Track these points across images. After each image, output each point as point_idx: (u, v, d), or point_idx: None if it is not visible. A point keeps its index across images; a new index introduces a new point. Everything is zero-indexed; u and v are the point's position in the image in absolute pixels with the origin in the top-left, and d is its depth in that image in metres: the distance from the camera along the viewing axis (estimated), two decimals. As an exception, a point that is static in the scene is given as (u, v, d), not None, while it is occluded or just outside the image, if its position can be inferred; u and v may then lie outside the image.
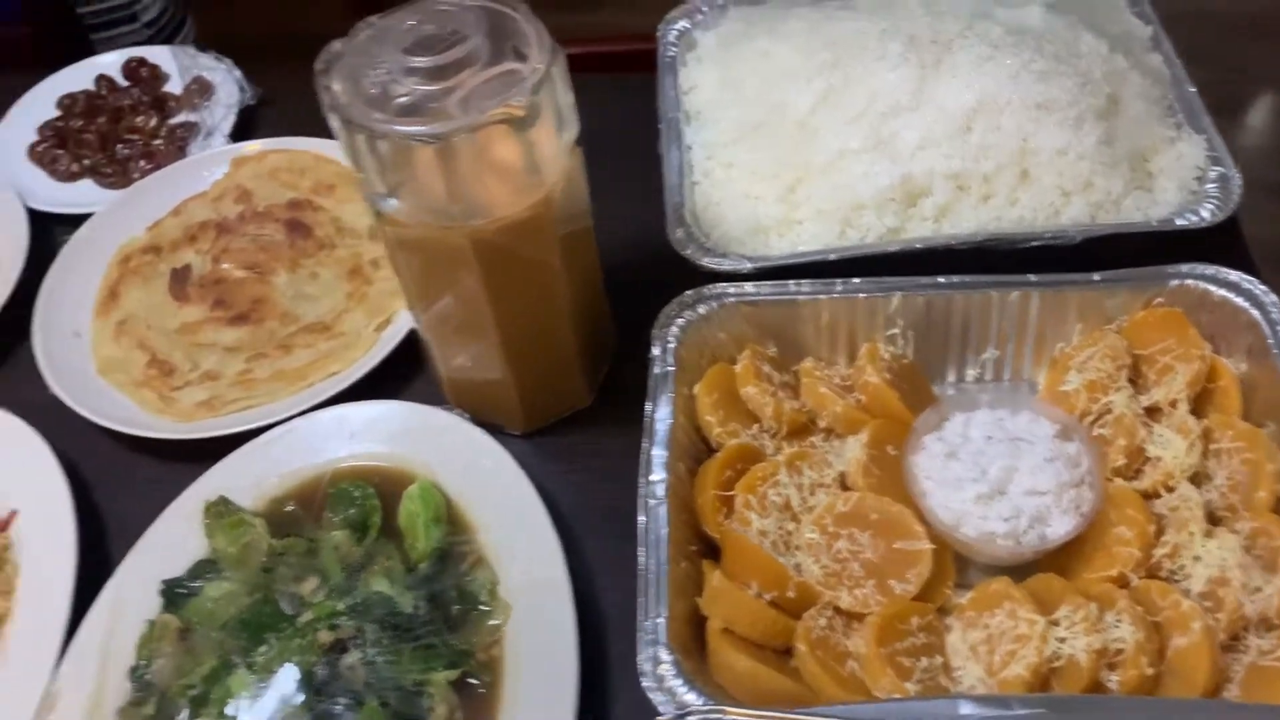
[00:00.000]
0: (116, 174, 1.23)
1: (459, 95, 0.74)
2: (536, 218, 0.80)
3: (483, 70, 0.75)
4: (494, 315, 0.85)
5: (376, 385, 1.00)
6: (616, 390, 0.98)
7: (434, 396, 0.98)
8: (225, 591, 0.83)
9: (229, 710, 0.75)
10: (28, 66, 1.45)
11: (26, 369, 1.06)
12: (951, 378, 0.93)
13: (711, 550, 0.81)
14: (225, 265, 1.12)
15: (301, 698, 0.75)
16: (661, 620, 0.72)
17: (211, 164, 1.21)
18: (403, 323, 1.03)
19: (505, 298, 0.84)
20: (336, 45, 0.78)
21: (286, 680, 0.76)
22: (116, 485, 0.97)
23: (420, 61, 0.74)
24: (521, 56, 0.76)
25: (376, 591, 0.81)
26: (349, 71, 0.76)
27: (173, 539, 0.89)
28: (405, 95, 0.75)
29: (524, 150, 0.77)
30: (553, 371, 0.93)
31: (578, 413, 0.98)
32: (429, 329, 0.91)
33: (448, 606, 0.82)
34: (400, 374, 1.02)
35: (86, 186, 1.25)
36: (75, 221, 1.17)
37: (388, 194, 0.79)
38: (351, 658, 0.78)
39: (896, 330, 0.90)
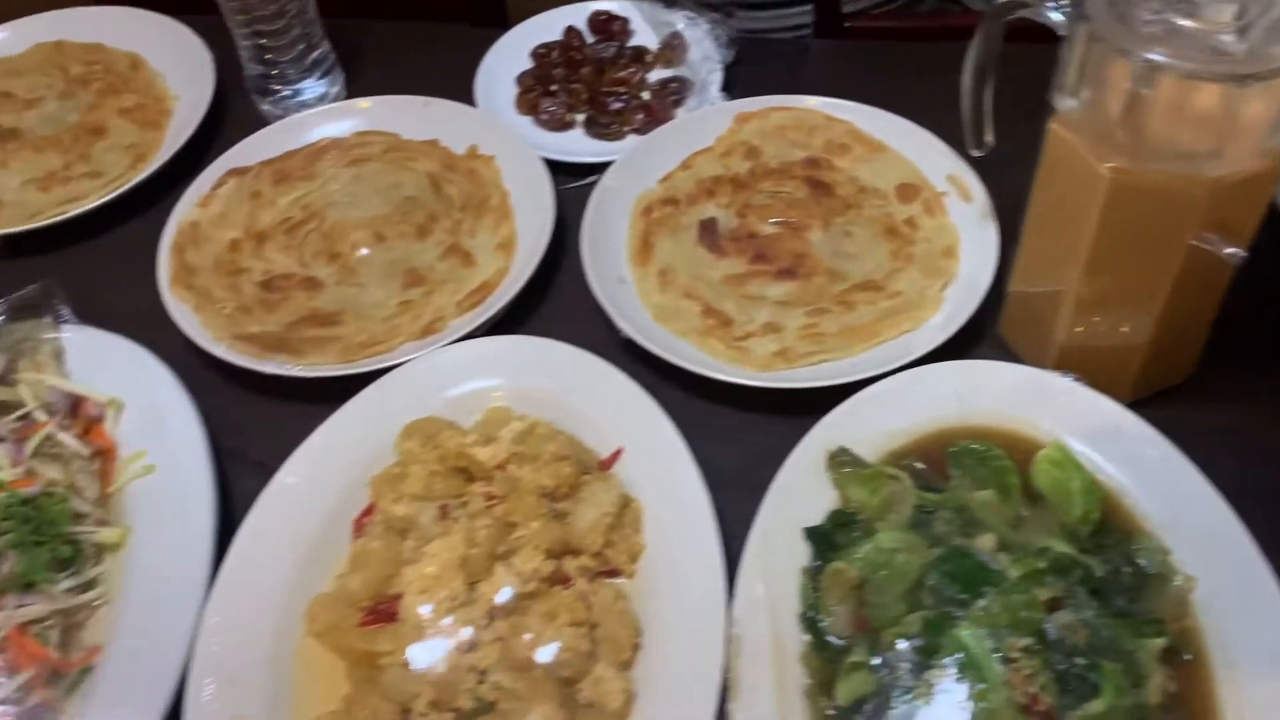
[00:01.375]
0: (610, 125, 1.23)
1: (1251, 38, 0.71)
2: (1268, 174, 0.77)
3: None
4: (1175, 276, 0.82)
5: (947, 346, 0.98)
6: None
7: (1004, 357, 0.97)
8: (898, 542, 0.81)
9: (951, 660, 0.74)
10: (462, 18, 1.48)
11: (572, 311, 1.07)
12: None
13: None
14: (753, 220, 1.11)
15: (1037, 652, 0.73)
16: None
17: (711, 119, 1.20)
18: (967, 285, 1.01)
19: (1195, 257, 0.81)
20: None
21: (1015, 635, 0.74)
22: (693, 429, 0.96)
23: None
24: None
25: (1064, 553, 0.79)
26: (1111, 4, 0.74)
27: (797, 487, 0.88)
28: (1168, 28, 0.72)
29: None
30: (1182, 340, 0.90)
31: (1173, 386, 0.95)
32: (1089, 287, 0.87)
33: (1124, 574, 0.80)
34: (964, 338, 1.00)
35: (575, 136, 1.25)
36: (560, 169, 1.18)
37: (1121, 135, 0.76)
38: (1066, 617, 0.75)
39: None
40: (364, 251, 1.13)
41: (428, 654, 0.80)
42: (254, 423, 1.02)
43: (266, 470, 0.95)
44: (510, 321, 1.07)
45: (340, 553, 0.90)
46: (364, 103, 1.27)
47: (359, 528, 0.91)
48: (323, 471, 0.93)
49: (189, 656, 0.82)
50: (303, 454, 0.94)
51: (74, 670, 0.83)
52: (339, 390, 1.00)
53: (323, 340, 1.05)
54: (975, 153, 0.98)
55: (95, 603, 0.87)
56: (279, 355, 1.03)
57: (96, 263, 1.19)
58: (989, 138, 0.97)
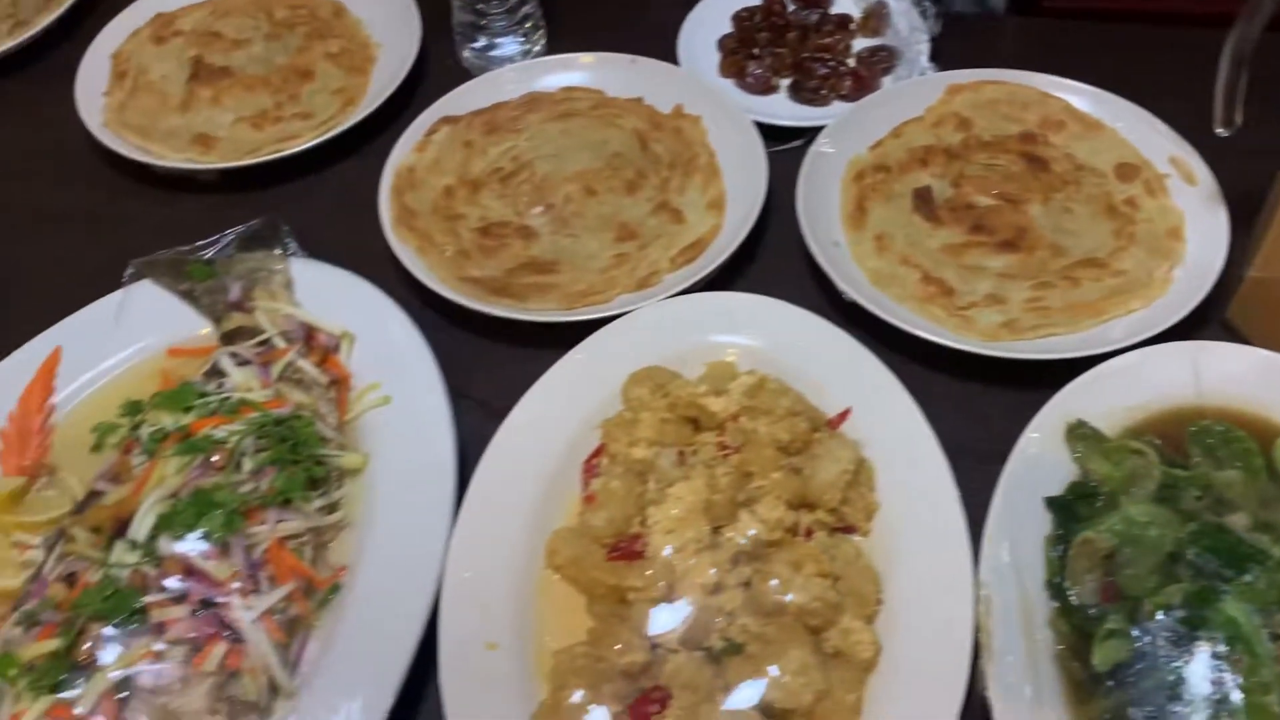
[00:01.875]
0: (817, 90, 1.23)
1: None
2: None
3: None
4: None
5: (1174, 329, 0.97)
6: None
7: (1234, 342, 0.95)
8: (1149, 515, 0.81)
9: (1217, 634, 0.74)
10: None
11: (780, 272, 1.08)
12: None
13: None
14: (969, 191, 1.11)
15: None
16: None
17: (922, 89, 1.20)
18: (1195, 268, 1.01)
19: None
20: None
21: None
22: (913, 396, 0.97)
23: None
24: None
25: (1337, 534, 0.78)
26: None
27: (1036, 457, 0.88)
28: None
29: None
30: None
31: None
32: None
33: None
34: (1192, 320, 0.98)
35: (778, 100, 1.26)
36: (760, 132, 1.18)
37: None
38: (1339, 600, 0.75)
39: None
40: (576, 204, 1.15)
41: (677, 592, 0.82)
42: (473, 363, 1.05)
43: (487, 409, 0.98)
44: (719, 280, 1.09)
45: (571, 492, 0.93)
46: (576, 57, 1.29)
47: (589, 469, 0.93)
48: (554, 413, 0.95)
49: (439, 582, 0.85)
50: (534, 395, 0.96)
51: (324, 587, 0.86)
52: (554, 336, 1.02)
53: (543, 287, 1.07)
54: (1222, 132, 0.96)
55: (340, 524, 0.91)
56: (502, 299, 1.06)
57: (310, 202, 1.22)
58: (1238, 118, 0.95)
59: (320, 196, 1.23)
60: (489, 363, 1.05)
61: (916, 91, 1.20)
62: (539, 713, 0.79)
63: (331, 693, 0.80)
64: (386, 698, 0.78)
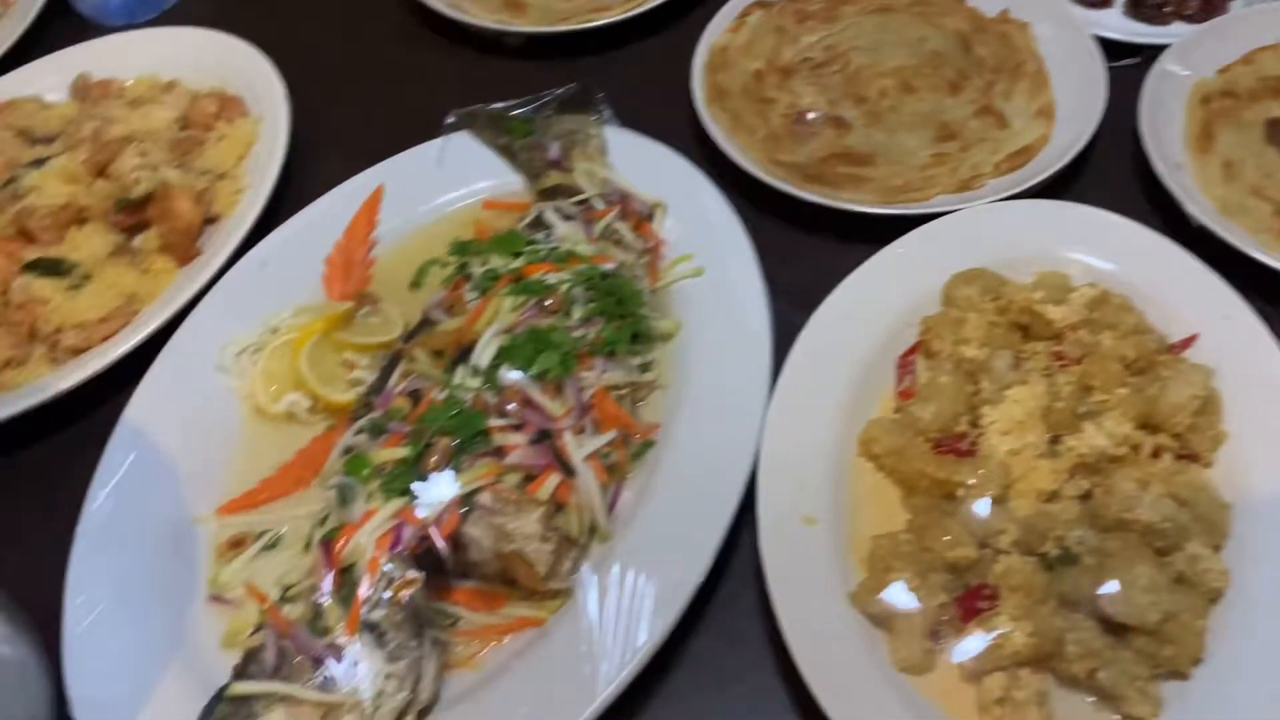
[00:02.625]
0: (1159, 8, 1.15)
1: None
2: None
3: None
4: None
5: None
6: None
7: None
8: None
9: None
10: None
11: (1111, 189, 1.02)
12: None
13: None
14: (1332, 126, 1.02)
15: None
16: None
17: (1276, 17, 1.11)
18: None
19: None
20: None
21: None
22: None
23: None
24: None
25: None
26: None
27: None
28: None
29: None
30: None
31: None
32: None
33: None
34: None
35: (1111, 14, 1.18)
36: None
37: None
38: None
39: None
40: (892, 100, 1.11)
41: (1011, 494, 0.79)
42: (778, 250, 1.02)
43: (790, 297, 0.97)
44: (1045, 192, 1.03)
45: (884, 384, 0.90)
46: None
47: (904, 364, 0.91)
48: (870, 305, 0.93)
49: (757, 452, 0.84)
50: (851, 285, 0.94)
51: (640, 440, 0.87)
52: (864, 230, 1.00)
53: (857, 179, 1.04)
54: None
55: (654, 385, 0.91)
56: (815, 187, 1.03)
57: (615, 74, 1.22)
58: None
59: (625, 70, 1.23)
60: (795, 251, 1.03)
61: (1271, 19, 1.11)
62: (859, 591, 0.77)
63: (647, 543, 0.80)
64: (704, 557, 0.78)
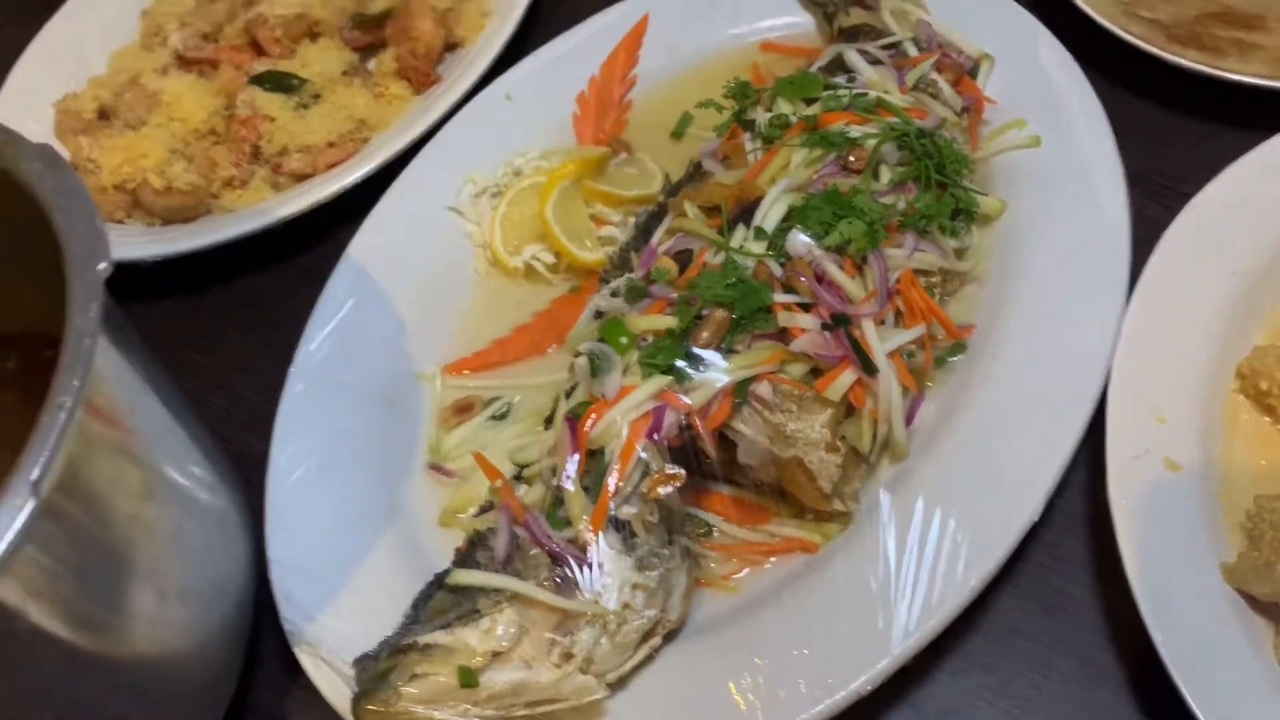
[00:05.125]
0: None
1: None
2: None
3: None
4: None
5: None
6: None
7: None
8: None
9: None
10: None
11: None
12: None
13: None
14: None
15: None
16: None
17: None
18: None
19: None
20: None
21: None
22: None
23: None
24: None
25: None
26: None
27: None
28: None
29: None
30: None
31: None
32: None
33: None
34: None
35: None
36: None
37: None
38: None
39: None
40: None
41: None
42: (1137, 125, 0.81)
43: (1154, 183, 0.77)
44: None
45: (1273, 304, 0.70)
46: None
47: (1298, 285, 0.70)
48: (1260, 202, 0.72)
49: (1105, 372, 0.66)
50: (1233, 176, 0.73)
51: (949, 342, 0.70)
52: (1249, 106, 0.79)
53: (1241, 45, 0.82)
54: None
55: (968, 276, 0.73)
56: (1186, 51, 0.82)
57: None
58: None
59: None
60: (1157, 132, 0.83)
61: None
62: (1238, 565, 0.59)
63: (957, 471, 0.64)
64: (1036, 495, 0.61)
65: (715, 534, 0.66)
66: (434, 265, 0.81)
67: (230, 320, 0.87)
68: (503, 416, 0.73)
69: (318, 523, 0.68)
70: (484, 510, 0.65)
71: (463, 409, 0.74)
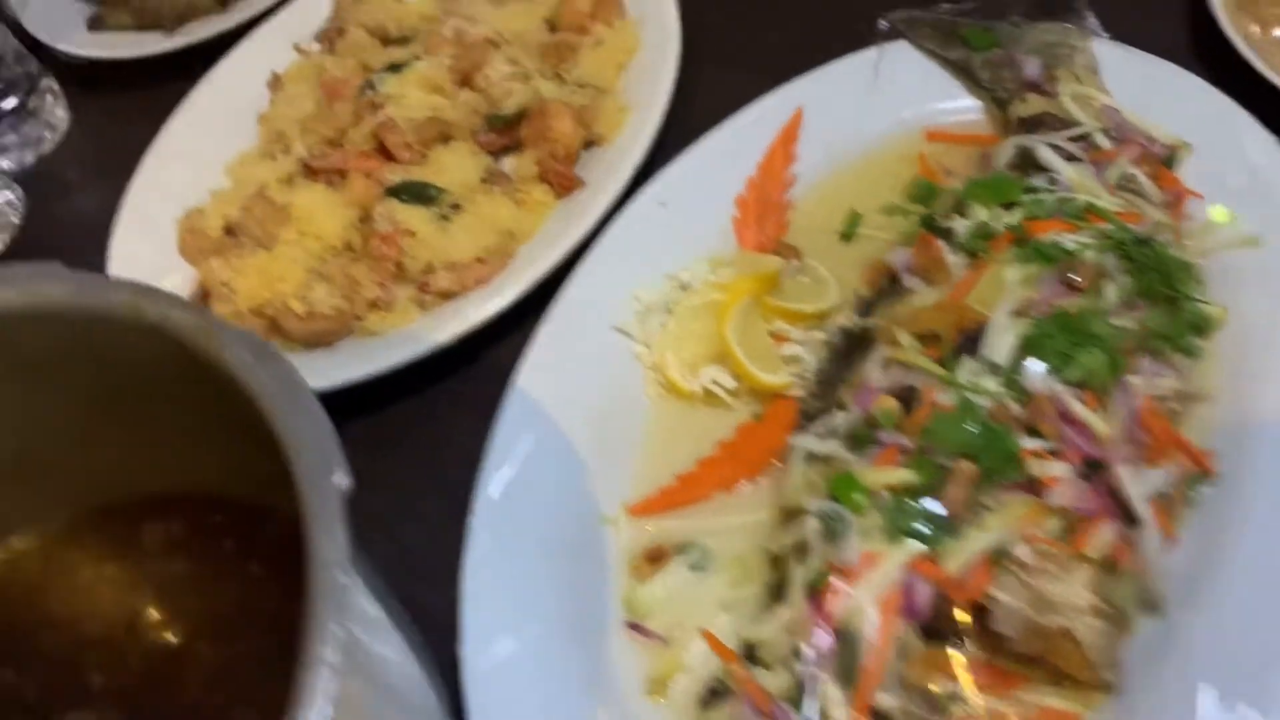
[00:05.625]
0: None
1: None
2: None
3: None
4: None
5: None
6: None
7: None
8: None
9: None
10: None
11: None
12: None
13: None
14: None
15: None
16: None
17: None
18: None
19: None
20: None
21: None
22: None
23: None
24: None
25: None
26: None
27: None
28: None
29: None
30: None
31: None
32: None
33: None
34: None
35: None
36: None
37: None
38: None
39: None
40: None
41: None
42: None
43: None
44: None
45: None
46: None
47: None
48: None
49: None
50: None
51: (1192, 471, 0.64)
52: None
53: None
54: None
55: (1198, 395, 0.67)
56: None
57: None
58: None
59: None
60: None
61: None
62: None
63: (1232, 629, 0.58)
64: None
65: (956, 702, 0.60)
66: (606, 392, 0.75)
67: (380, 452, 0.82)
68: (702, 567, 0.68)
69: (521, 696, 0.63)
70: (714, 694, 0.60)
71: (655, 557, 0.69)
